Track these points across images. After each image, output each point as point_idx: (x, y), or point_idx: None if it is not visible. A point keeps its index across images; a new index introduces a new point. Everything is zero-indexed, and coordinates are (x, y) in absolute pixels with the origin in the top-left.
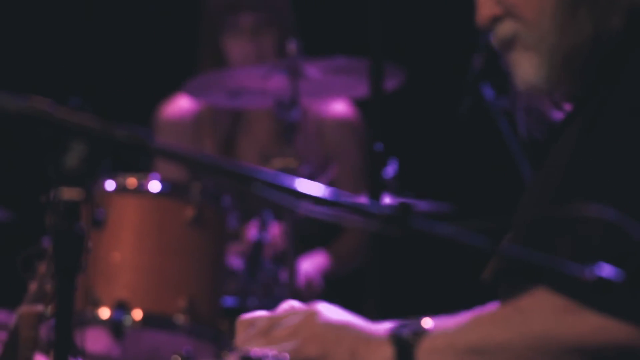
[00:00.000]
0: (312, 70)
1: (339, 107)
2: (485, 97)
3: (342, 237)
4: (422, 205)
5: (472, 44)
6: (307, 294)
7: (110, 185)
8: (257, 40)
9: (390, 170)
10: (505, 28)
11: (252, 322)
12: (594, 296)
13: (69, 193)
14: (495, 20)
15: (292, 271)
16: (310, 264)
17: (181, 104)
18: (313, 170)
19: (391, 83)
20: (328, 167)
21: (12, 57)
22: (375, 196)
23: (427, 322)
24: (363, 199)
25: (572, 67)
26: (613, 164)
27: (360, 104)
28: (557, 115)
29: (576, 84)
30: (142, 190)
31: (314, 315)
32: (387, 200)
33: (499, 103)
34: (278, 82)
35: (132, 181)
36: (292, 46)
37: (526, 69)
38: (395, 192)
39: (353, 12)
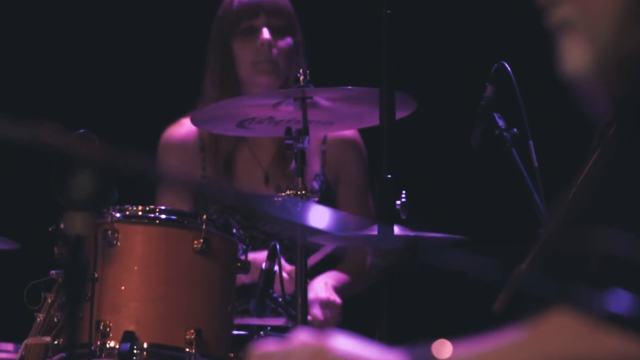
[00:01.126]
0: (322, 100)
1: None
2: (497, 126)
3: (347, 256)
4: (433, 235)
5: (484, 74)
6: (323, 320)
7: (117, 214)
8: (271, 46)
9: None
10: (566, 9)
11: (263, 358)
12: (612, 318)
13: (77, 222)
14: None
15: (303, 299)
16: (322, 286)
17: (186, 127)
18: (320, 197)
19: (402, 112)
20: (333, 189)
21: (20, 84)
22: (386, 226)
23: (443, 348)
24: (372, 230)
25: (624, 69)
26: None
27: (371, 133)
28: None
29: (624, 87)
30: (150, 219)
31: (324, 350)
32: (397, 230)
33: (510, 133)
34: (287, 111)
35: (140, 210)
36: (301, 76)
37: (577, 56)
38: (405, 223)
39: (364, 42)
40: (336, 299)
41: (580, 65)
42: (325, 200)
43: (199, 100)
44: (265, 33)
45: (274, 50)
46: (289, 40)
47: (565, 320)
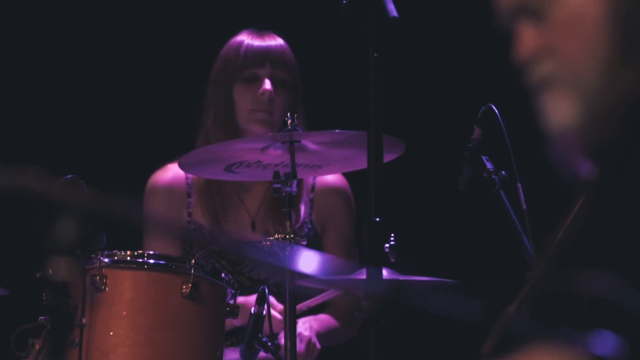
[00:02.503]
0: (310, 143)
1: (329, 176)
2: (485, 169)
3: (334, 302)
4: (421, 278)
5: (472, 117)
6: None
7: (106, 259)
8: (271, 97)
9: (389, 242)
10: (547, 66)
11: None
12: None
13: (62, 268)
14: (536, 55)
15: (292, 342)
16: (307, 326)
17: (172, 172)
18: (308, 242)
19: (390, 155)
20: (319, 236)
21: (7, 129)
22: (373, 269)
23: None
24: (359, 274)
25: (615, 115)
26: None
27: (359, 176)
28: (587, 168)
29: (617, 134)
30: (138, 264)
31: None
32: (385, 273)
33: (498, 175)
34: (275, 155)
35: (128, 255)
36: (289, 119)
37: (563, 111)
38: (393, 266)
39: (351, 85)
40: (316, 342)
41: (568, 119)
42: (311, 247)
43: (197, 142)
44: (267, 84)
45: (273, 102)
46: (289, 94)
47: (545, 357)
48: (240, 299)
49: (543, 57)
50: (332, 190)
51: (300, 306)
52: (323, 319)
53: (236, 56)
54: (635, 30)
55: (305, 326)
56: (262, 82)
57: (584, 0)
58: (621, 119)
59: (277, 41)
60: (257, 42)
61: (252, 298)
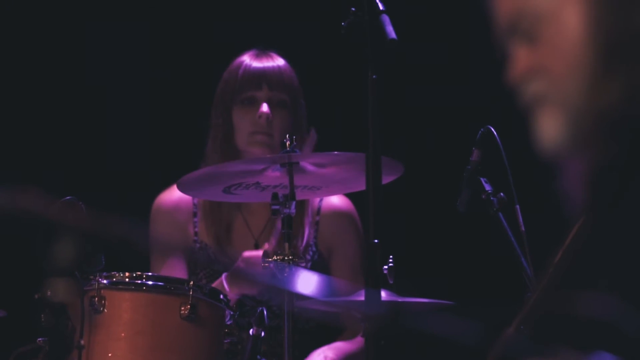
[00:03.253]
0: (309, 165)
1: (335, 199)
2: (484, 190)
3: (348, 327)
4: (420, 300)
5: (470, 138)
6: None
7: (104, 280)
8: (270, 117)
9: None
10: (537, 85)
11: None
12: None
13: (60, 289)
14: (528, 75)
15: None
16: (321, 357)
17: (178, 193)
18: (311, 267)
19: (389, 177)
20: (325, 260)
21: (6, 149)
22: (372, 291)
23: None
24: (359, 296)
25: (600, 129)
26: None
27: (357, 197)
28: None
29: (606, 148)
30: (137, 286)
31: None
32: (383, 295)
33: (497, 197)
34: (274, 177)
35: (126, 276)
36: (287, 141)
37: (551, 127)
38: (391, 287)
39: (349, 107)
40: None
41: (556, 135)
42: (316, 271)
43: (202, 164)
44: (265, 107)
45: (272, 124)
46: (288, 114)
47: None
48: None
49: (534, 76)
50: (338, 213)
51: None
52: (338, 347)
53: (235, 79)
54: (617, 44)
55: (319, 358)
56: (260, 105)
57: (570, 19)
58: (609, 133)
59: (275, 62)
60: (255, 64)
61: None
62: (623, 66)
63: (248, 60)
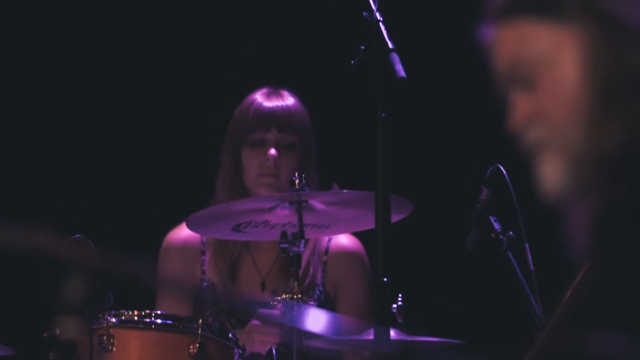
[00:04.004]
0: (318, 203)
1: (344, 239)
2: (493, 229)
3: None
4: (429, 339)
5: (480, 177)
6: None
7: (113, 318)
8: (278, 160)
9: (397, 303)
10: (537, 131)
11: None
12: None
13: (70, 327)
14: (528, 122)
15: None
16: None
17: (187, 231)
18: (319, 305)
19: (398, 215)
20: (332, 299)
21: (16, 189)
22: (382, 330)
23: None
24: (368, 334)
25: (602, 172)
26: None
27: (367, 236)
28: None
29: (608, 191)
30: (145, 324)
31: None
32: (392, 334)
33: (506, 236)
34: (283, 215)
35: (135, 315)
36: (297, 179)
37: (553, 171)
38: (401, 326)
39: (359, 145)
40: None
41: (558, 180)
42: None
43: (211, 200)
44: (272, 150)
45: (279, 166)
46: (297, 156)
47: None
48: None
49: (534, 123)
50: (346, 254)
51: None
52: None
53: (245, 118)
54: (615, 86)
55: None
56: (268, 147)
57: (567, 65)
58: (611, 176)
59: (285, 101)
60: (265, 103)
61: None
62: (622, 108)
63: (259, 99)
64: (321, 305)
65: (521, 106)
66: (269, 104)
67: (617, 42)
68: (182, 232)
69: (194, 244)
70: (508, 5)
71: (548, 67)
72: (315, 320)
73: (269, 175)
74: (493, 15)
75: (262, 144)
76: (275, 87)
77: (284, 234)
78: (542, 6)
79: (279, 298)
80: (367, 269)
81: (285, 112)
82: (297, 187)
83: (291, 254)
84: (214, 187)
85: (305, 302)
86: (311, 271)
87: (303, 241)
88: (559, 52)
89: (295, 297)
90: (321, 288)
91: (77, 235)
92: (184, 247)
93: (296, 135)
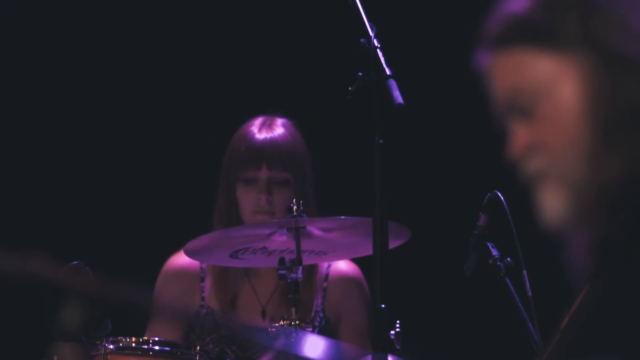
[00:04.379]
0: (316, 230)
1: (343, 265)
2: (490, 255)
3: None
4: None
5: (477, 203)
6: None
7: (111, 345)
8: (271, 198)
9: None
10: (537, 161)
11: None
12: None
13: (67, 354)
14: (528, 152)
15: None
16: None
17: (187, 257)
18: (320, 332)
19: (396, 242)
20: (332, 326)
21: (14, 215)
22: (380, 357)
23: None
24: None
25: (603, 203)
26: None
27: (364, 262)
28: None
29: (608, 222)
30: (143, 351)
31: None
32: None
33: (503, 262)
34: (281, 241)
35: (133, 341)
36: (294, 206)
37: (554, 203)
38: (399, 352)
39: (356, 171)
40: None
41: (558, 210)
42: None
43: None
44: (264, 189)
45: (273, 203)
46: (290, 191)
47: None
48: None
49: (534, 153)
50: (346, 280)
51: None
52: None
53: (238, 154)
54: (616, 117)
55: None
56: (260, 185)
57: (566, 94)
58: (611, 207)
59: (276, 134)
60: (257, 137)
61: None
62: (622, 139)
63: (251, 132)
64: (321, 332)
65: (520, 136)
66: (260, 137)
67: (617, 73)
68: (182, 258)
69: (194, 270)
70: (506, 34)
71: (547, 97)
72: (314, 346)
73: (263, 213)
74: (490, 44)
75: (255, 182)
76: (271, 114)
77: (281, 261)
78: (540, 35)
79: (276, 324)
80: (366, 294)
81: (274, 147)
82: (295, 213)
83: (289, 280)
84: (212, 215)
85: (304, 329)
86: (311, 297)
87: (301, 268)
88: (559, 82)
89: (293, 323)
90: (321, 314)
91: (75, 262)
92: (183, 273)
93: (288, 171)
